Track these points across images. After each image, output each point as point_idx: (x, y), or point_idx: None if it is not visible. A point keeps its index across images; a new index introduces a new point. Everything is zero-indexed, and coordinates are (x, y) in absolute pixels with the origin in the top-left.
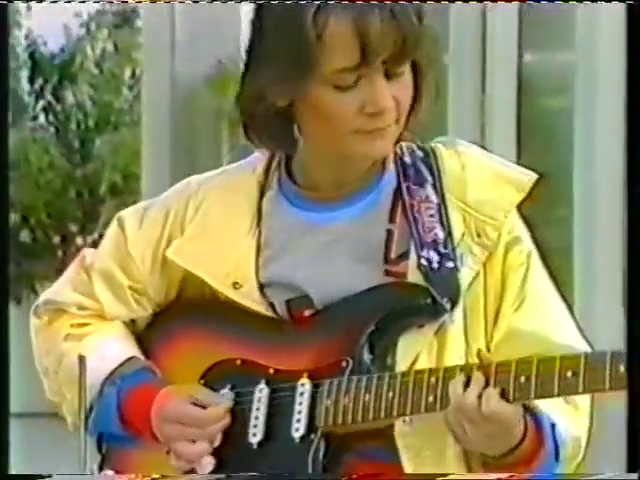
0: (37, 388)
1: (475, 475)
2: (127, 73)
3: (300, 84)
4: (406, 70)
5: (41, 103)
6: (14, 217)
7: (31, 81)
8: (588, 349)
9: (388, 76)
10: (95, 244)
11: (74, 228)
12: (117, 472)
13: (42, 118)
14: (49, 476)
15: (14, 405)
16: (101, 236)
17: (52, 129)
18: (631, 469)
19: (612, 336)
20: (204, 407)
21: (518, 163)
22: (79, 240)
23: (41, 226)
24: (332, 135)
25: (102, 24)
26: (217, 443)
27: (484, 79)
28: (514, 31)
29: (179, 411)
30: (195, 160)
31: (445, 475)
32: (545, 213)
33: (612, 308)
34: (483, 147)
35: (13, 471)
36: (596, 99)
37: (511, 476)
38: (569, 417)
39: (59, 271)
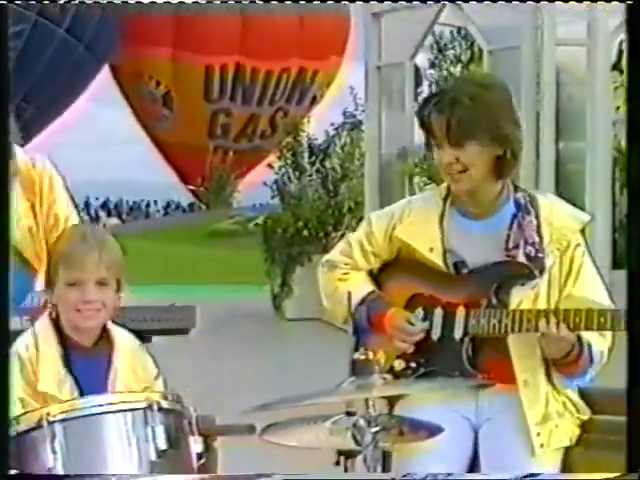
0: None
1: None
2: (357, 152)
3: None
4: (469, 143)
5: (314, 167)
6: (299, 224)
7: (309, 157)
8: (612, 306)
9: (452, 144)
10: (342, 237)
11: (330, 228)
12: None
13: (314, 175)
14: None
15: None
16: (343, 234)
17: (319, 180)
18: (631, 469)
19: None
20: (413, 325)
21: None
22: (333, 234)
23: (314, 228)
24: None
25: (343, 130)
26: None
27: (537, 152)
28: (552, 127)
29: (399, 323)
30: (390, 197)
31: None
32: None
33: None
34: (536, 182)
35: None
36: (594, 167)
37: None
38: (598, 340)
39: (324, 249)
